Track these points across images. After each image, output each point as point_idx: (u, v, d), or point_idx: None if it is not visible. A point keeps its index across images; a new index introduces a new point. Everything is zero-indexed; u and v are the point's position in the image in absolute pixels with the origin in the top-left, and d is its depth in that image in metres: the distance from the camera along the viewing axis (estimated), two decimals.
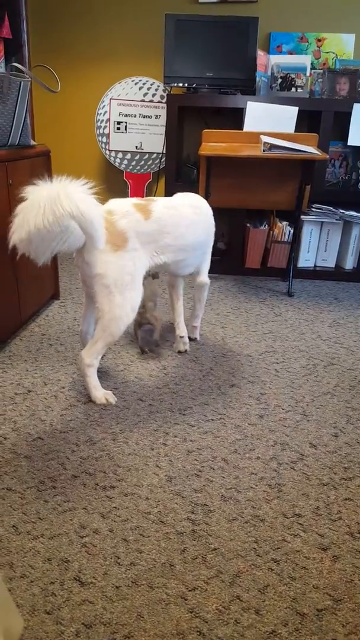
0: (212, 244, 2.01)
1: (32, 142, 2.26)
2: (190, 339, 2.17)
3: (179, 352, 2.06)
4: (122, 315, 1.61)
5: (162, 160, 3.39)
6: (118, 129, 3.35)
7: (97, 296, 1.60)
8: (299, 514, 1.23)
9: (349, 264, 3.09)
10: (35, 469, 1.36)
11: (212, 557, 1.10)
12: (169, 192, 3.09)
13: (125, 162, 3.42)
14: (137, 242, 1.64)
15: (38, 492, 1.28)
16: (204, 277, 2.03)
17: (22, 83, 1.98)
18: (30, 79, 2.01)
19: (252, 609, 0.98)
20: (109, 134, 3.36)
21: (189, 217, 1.80)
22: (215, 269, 3.16)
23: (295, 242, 2.91)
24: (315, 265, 3.14)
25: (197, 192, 2.87)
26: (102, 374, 1.87)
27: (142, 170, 3.45)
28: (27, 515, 1.20)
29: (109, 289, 1.58)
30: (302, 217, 2.96)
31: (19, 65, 1.98)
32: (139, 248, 1.65)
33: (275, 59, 3.03)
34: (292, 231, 2.95)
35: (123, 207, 1.64)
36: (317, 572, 1.07)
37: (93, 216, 1.43)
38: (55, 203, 1.37)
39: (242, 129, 2.83)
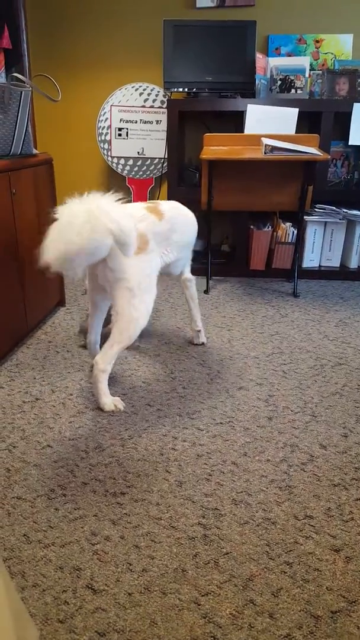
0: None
1: (35, 151, 2.27)
2: (197, 344, 2.17)
3: (197, 344, 2.10)
4: (139, 317, 1.63)
5: (164, 165, 3.39)
6: (119, 135, 3.36)
7: (118, 300, 1.61)
8: (311, 516, 1.22)
9: (354, 263, 3.08)
10: (45, 477, 1.36)
11: (225, 562, 1.09)
12: (171, 197, 3.09)
13: (128, 167, 3.44)
14: (154, 243, 1.71)
15: (48, 500, 1.28)
16: (190, 273, 2.09)
17: (23, 93, 1.99)
18: (31, 88, 2.02)
19: (266, 612, 0.98)
20: (110, 140, 3.37)
21: (187, 216, 1.92)
22: (220, 272, 3.16)
23: (299, 243, 2.91)
24: (319, 265, 3.13)
25: (199, 196, 2.88)
26: (110, 380, 1.87)
27: (145, 176, 3.46)
28: (38, 524, 1.20)
29: (132, 291, 1.60)
30: (305, 217, 2.95)
31: (20, 76, 1.99)
32: (155, 249, 1.72)
33: (274, 61, 3.03)
34: (295, 232, 2.95)
35: (139, 211, 1.71)
36: (331, 574, 1.06)
37: (131, 230, 1.47)
38: (95, 221, 1.39)
39: (243, 132, 2.83)
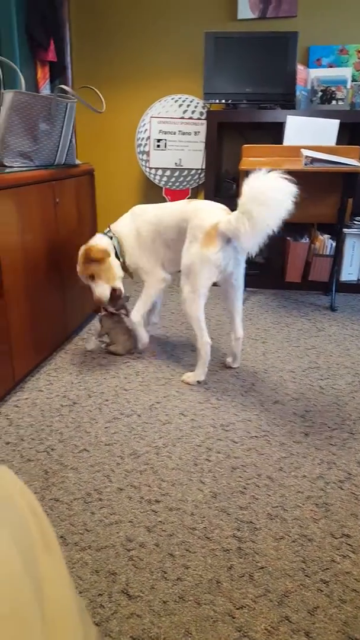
0: None
1: (77, 162, 2.33)
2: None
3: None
4: None
5: (201, 175, 3.42)
6: (158, 146, 3.41)
7: (241, 278, 1.90)
8: (348, 535, 1.20)
9: None
10: (81, 481, 1.38)
11: (260, 576, 1.09)
12: None
13: (165, 178, 3.48)
14: None
15: (85, 503, 1.30)
16: None
17: (68, 104, 2.05)
18: (76, 100, 2.08)
19: (302, 630, 0.97)
20: (149, 151, 3.42)
21: None
22: (254, 283, 3.15)
23: (337, 256, 2.88)
24: (358, 279, 3.09)
25: (236, 207, 2.88)
26: (144, 387, 1.89)
27: (181, 186, 3.50)
28: (75, 527, 1.22)
29: None
30: (344, 230, 2.92)
31: (66, 87, 2.05)
32: None
33: (315, 73, 3.03)
34: (334, 244, 2.92)
35: None
36: None
37: None
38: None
39: (281, 144, 2.83)
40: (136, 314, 2.09)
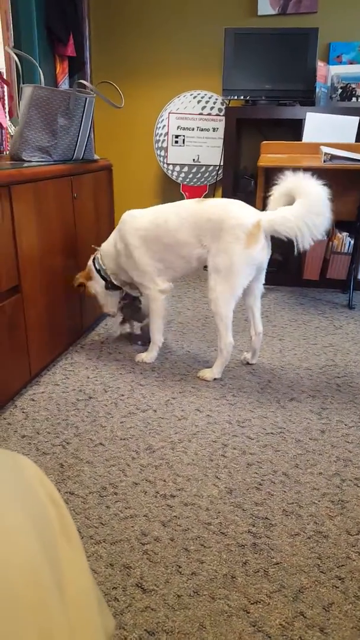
0: None
1: (96, 157, 2.33)
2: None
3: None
4: None
5: (219, 172, 3.41)
6: (176, 142, 3.40)
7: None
8: None
9: None
10: (97, 475, 1.39)
11: (275, 572, 1.08)
12: None
13: (183, 174, 3.47)
14: None
15: (100, 497, 1.30)
16: None
17: (87, 99, 2.06)
18: (94, 95, 2.08)
19: (317, 626, 0.96)
20: (167, 147, 3.42)
21: None
22: (272, 280, 3.13)
23: (356, 253, 2.85)
24: None
25: (254, 204, 2.87)
26: (160, 382, 1.89)
27: (199, 183, 3.49)
28: (90, 520, 1.23)
29: None
30: None
31: (85, 82, 2.06)
32: None
33: (335, 69, 2.99)
34: (352, 242, 2.89)
35: None
36: None
37: None
38: None
39: (300, 140, 2.81)
40: (156, 335, 2.03)
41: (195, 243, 1.85)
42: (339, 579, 1.06)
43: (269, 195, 1.85)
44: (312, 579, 1.06)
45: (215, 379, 1.92)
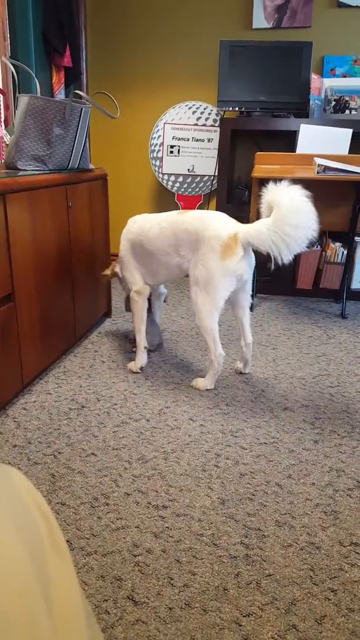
0: None
1: (91, 166, 2.34)
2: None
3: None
4: None
5: (214, 182, 3.43)
6: (171, 152, 3.42)
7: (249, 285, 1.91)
8: (356, 543, 1.18)
9: None
10: (88, 485, 1.38)
11: (267, 583, 1.07)
12: None
13: (177, 184, 3.49)
14: None
15: (91, 508, 1.29)
16: None
17: (83, 109, 2.07)
18: (90, 105, 2.10)
19: (309, 639, 0.95)
20: (162, 157, 3.43)
21: None
22: (265, 290, 3.14)
23: (349, 263, 2.86)
24: None
25: (248, 214, 2.89)
26: (153, 391, 1.89)
27: (194, 193, 3.51)
28: (81, 531, 1.22)
29: None
30: (356, 238, 2.91)
31: (81, 93, 2.07)
32: None
33: (329, 82, 3.03)
34: (345, 252, 2.91)
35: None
36: None
37: None
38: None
39: (294, 152, 2.83)
40: (137, 338, 2.06)
41: (172, 252, 1.88)
42: (332, 591, 1.06)
43: (260, 207, 1.86)
44: (305, 591, 1.06)
45: (208, 389, 1.92)
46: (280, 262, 1.70)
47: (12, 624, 0.38)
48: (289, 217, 1.64)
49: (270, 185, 1.73)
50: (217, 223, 1.78)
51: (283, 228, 1.65)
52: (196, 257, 1.80)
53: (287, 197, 1.66)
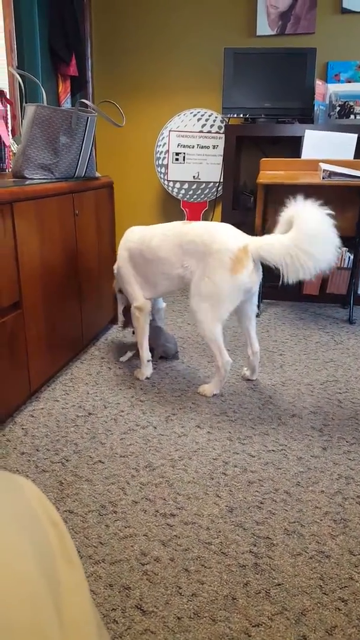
0: None
1: (97, 174, 2.35)
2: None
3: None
4: None
5: (219, 189, 3.43)
6: (176, 159, 3.44)
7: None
8: None
9: None
10: (96, 493, 1.37)
11: (276, 593, 1.06)
12: (225, 220, 3.12)
13: (183, 191, 3.50)
14: None
15: (99, 516, 1.29)
16: None
17: (89, 118, 2.08)
18: (96, 113, 2.11)
19: None
20: (167, 164, 3.45)
21: None
22: (272, 295, 3.14)
23: (355, 268, 2.85)
24: None
25: (253, 220, 2.89)
26: (160, 398, 1.89)
27: (199, 199, 3.51)
28: (89, 539, 1.21)
29: None
30: None
31: (87, 102, 2.08)
32: None
33: (334, 88, 3.03)
34: (352, 257, 2.90)
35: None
36: None
37: None
38: None
39: (300, 157, 2.83)
40: (140, 352, 2.04)
41: (176, 263, 1.84)
42: (342, 601, 1.04)
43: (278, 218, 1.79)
44: (315, 601, 1.04)
45: (214, 394, 1.91)
46: (286, 280, 1.66)
47: (19, 633, 0.38)
48: (306, 240, 1.60)
49: (295, 202, 1.67)
50: (225, 235, 1.74)
51: (296, 250, 1.61)
52: (202, 270, 1.76)
53: (309, 219, 1.61)
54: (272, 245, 1.67)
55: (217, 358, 1.85)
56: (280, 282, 1.67)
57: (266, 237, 1.71)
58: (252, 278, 1.74)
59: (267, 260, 1.69)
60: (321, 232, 1.61)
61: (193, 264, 1.80)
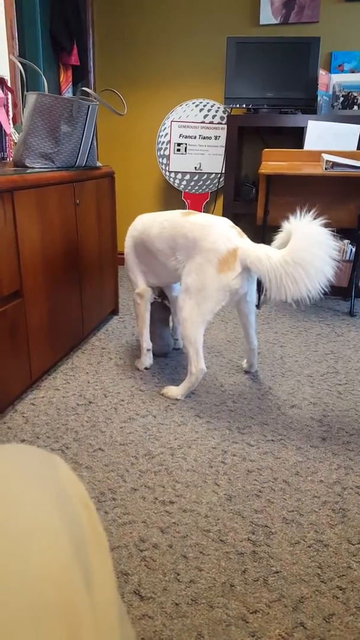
0: None
1: (98, 164, 2.34)
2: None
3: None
4: None
5: (221, 180, 3.42)
6: (178, 150, 3.42)
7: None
8: None
9: None
10: (95, 480, 1.38)
11: (274, 580, 1.07)
12: (227, 211, 3.11)
13: (184, 182, 3.48)
14: None
15: (98, 503, 1.29)
16: None
17: (90, 106, 2.07)
18: (97, 102, 2.09)
19: (317, 637, 0.94)
20: (169, 155, 3.43)
21: None
22: None
23: (357, 261, 2.84)
24: None
25: (255, 211, 2.88)
26: (160, 388, 1.89)
27: (200, 190, 3.50)
28: None
29: None
30: None
31: (89, 90, 2.07)
32: None
33: (337, 78, 3.01)
34: (354, 249, 2.89)
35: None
36: None
37: None
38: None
39: (302, 148, 2.82)
40: (141, 340, 2.05)
41: (170, 254, 1.81)
42: (340, 589, 1.05)
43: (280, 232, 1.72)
44: (313, 589, 1.05)
45: (177, 399, 1.82)
46: (269, 296, 1.60)
47: (52, 609, 0.38)
48: (301, 267, 1.51)
49: (297, 220, 1.59)
50: (218, 234, 1.67)
51: (288, 268, 1.53)
52: (191, 265, 1.72)
53: (309, 243, 1.52)
54: (259, 259, 1.59)
55: (192, 363, 1.77)
56: (258, 301, 1.61)
57: (259, 247, 1.63)
58: (238, 281, 1.67)
59: (252, 271, 1.64)
60: (313, 259, 1.51)
61: (184, 258, 1.77)
